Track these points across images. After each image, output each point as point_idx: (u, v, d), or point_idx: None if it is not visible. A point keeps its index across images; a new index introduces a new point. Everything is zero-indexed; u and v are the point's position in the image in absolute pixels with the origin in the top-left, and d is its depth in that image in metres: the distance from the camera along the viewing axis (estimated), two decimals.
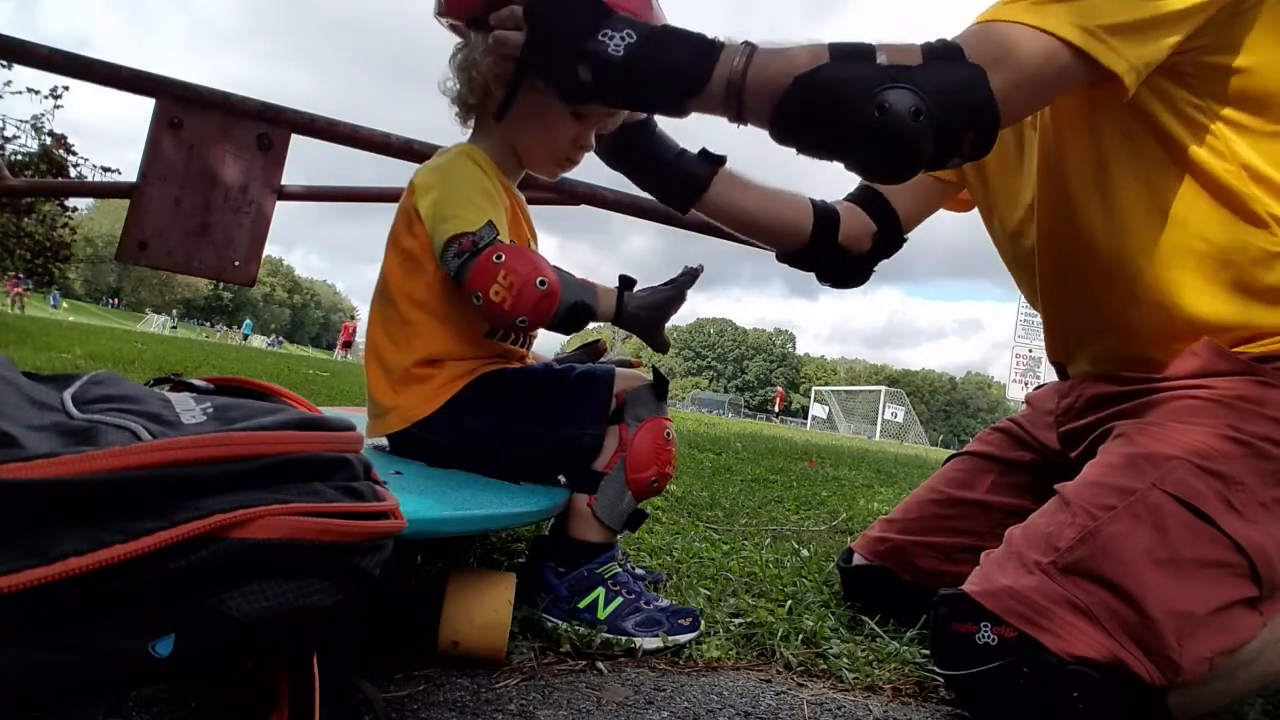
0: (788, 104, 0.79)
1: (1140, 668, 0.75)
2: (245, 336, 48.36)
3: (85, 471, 0.41)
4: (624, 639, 0.93)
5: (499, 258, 0.91)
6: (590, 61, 0.82)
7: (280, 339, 65.55)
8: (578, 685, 0.82)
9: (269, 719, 0.56)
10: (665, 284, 1.07)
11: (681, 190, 1.13)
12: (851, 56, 0.78)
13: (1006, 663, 0.77)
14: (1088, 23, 0.81)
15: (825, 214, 1.18)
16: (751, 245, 1.28)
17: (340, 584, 0.53)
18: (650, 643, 0.94)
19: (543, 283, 0.91)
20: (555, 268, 0.96)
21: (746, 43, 0.82)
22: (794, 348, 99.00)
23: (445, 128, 1.12)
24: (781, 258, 1.23)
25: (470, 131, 1.09)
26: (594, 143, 1.08)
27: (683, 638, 0.96)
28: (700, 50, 0.82)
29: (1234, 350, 0.93)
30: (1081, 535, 0.81)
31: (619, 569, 1.00)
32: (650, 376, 1.03)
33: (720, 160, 1.13)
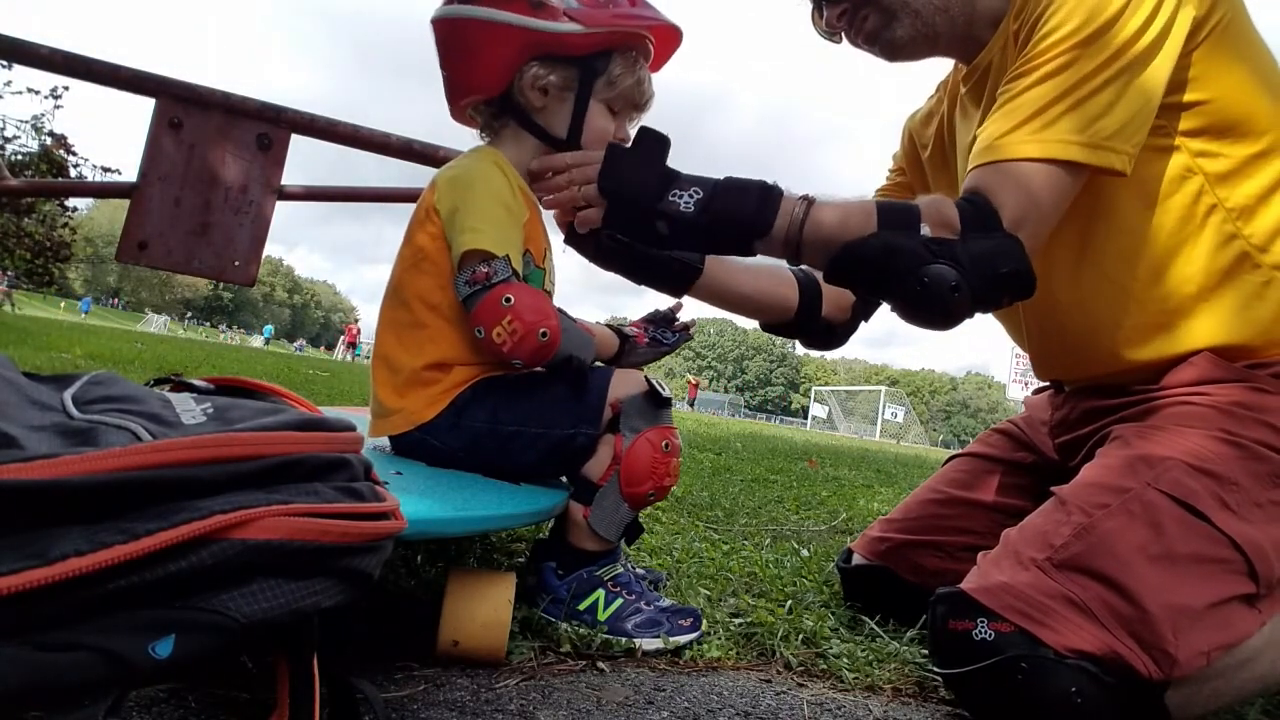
0: (839, 265, 0.89)
1: (1137, 661, 0.75)
2: (266, 340, 46.64)
3: (85, 472, 0.42)
4: (624, 639, 0.93)
5: (508, 300, 0.91)
6: (665, 220, 0.91)
7: (303, 343, 65.28)
8: (578, 685, 0.82)
9: (269, 719, 0.56)
10: (663, 330, 1.20)
11: (677, 280, 1.18)
12: (897, 224, 0.86)
13: (1004, 658, 0.77)
14: (1090, 134, 0.87)
15: (809, 287, 1.23)
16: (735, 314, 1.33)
17: (340, 584, 0.53)
18: (651, 643, 0.94)
19: (544, 334, 0.93)
20: (561, 313, 0.97)
21: (804, 197, 0.92)
22: (794, 347, 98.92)
23: (444, 128, 1.10)
24: (766, 328, 1.29)
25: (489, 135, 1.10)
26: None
27: (684, 638, 0.96)
28: (762, 201, 0.91)
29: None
30: (1077, 532, 0.82)
31: (620, 569, 1.00)
32: (649, 380, 1.03)
33: None
